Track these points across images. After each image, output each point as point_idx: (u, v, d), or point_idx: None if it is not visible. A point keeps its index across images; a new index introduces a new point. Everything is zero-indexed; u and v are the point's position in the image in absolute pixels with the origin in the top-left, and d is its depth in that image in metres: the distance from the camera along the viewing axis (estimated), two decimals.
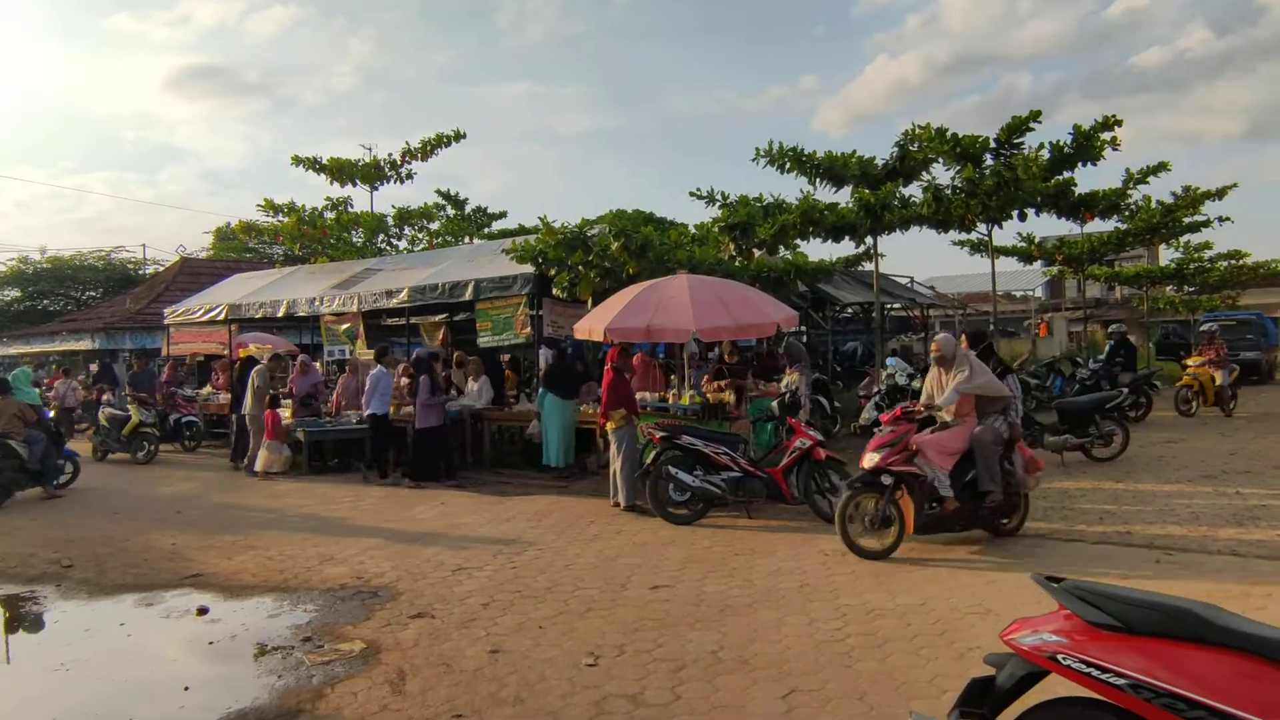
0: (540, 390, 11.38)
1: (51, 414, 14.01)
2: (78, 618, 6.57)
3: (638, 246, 11.27)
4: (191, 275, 28.51)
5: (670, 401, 10.62)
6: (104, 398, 16.81)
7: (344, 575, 7.21)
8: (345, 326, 16.14)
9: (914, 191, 15.22)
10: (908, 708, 4.24)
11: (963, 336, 8.35)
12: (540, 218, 12.31)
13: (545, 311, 13.09)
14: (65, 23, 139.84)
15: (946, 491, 6.99)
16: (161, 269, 35.00)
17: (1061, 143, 14.60)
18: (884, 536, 7.02)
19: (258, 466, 12.93)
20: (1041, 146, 14.53)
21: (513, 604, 6.20)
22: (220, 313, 18.17)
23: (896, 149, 15.01)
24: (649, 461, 8.91)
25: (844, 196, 15.00)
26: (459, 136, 22.34)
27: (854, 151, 14.92)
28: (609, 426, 9.34)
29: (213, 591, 6.94)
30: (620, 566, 7.11)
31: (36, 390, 13.76)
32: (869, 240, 15.72)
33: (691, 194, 14.40)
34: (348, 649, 5.43)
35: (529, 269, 12.65)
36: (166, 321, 20.00)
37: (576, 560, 7.33)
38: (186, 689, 4.96)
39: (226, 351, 18.51)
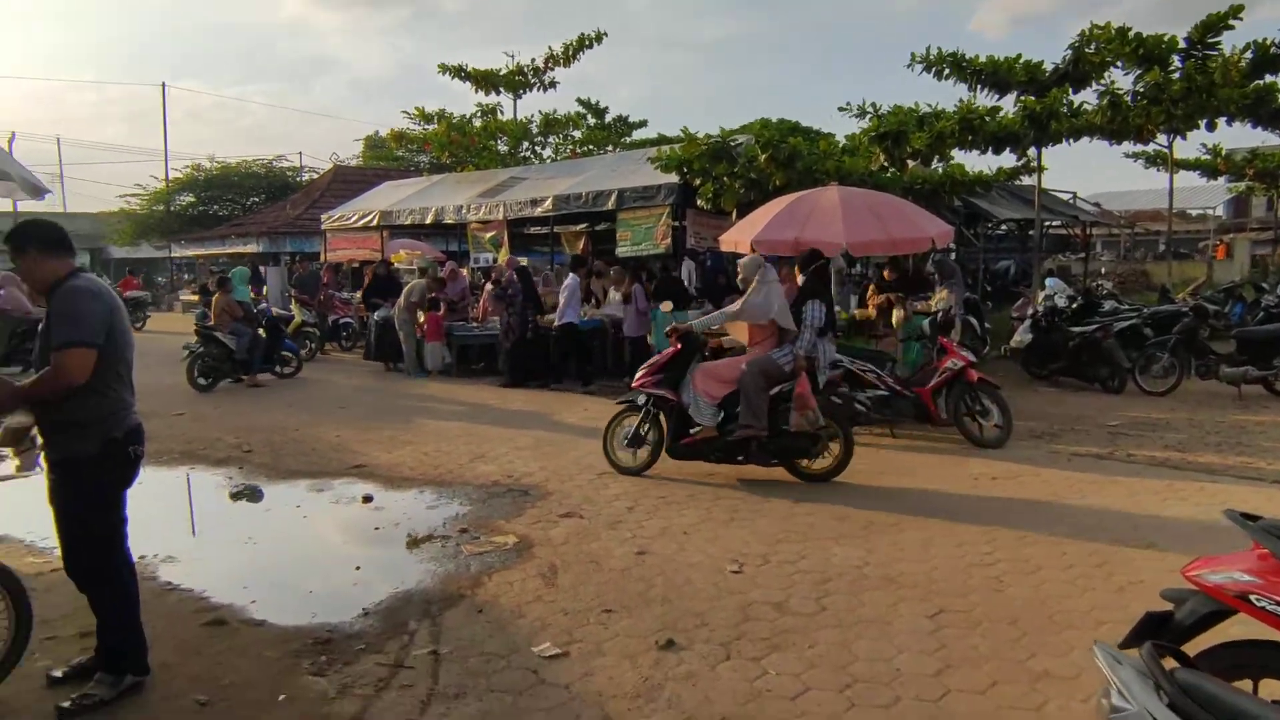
0: (653, 306, 11.48)
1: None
2: (260, 498, 7.18)
3: (785, 157, 10.95)
4: (344, 183, 29.79)
5: None
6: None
7: (495, 473, 7.56)
8: (490, 234, 16.54)
9: (1086, 98, 14.06)
10: (1061, 636, 4.13)
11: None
12: (683, 129, 12.11)
13: (688, 223, 13.01)
14: None
15: (703, 420, 7.03)
16: (317, 176, 36.67)
17: (1269, 41, 13.02)
18: (636, 456, 7.34)
19: (428, 365, 13.63)
20: (1246, 47, 12.98)
21: (656, 510, 6.35)
22: (373, 219, 18.96)
23: (1070, 51, 13.84)
24: None
25: (1007, 105, 14.05)
26: (599, 38, 22.05)
27: (1019, 55, 13.89)
28: None
29: (375, 481, 7.41)
30: (760, 478, 7.15)
31: (248, 289, 15.06)
32: (1031, 152, 14.71)
33: (841, 109, 13.86)
34: (502, 542, 5.71)
35: (673, 179, 12.54)
36: (324, 227, 21.04)
37: (716, 471, 7.40)
38: (358, 568, 5.37)
39: (379, 256, 19.36)
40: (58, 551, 5.60)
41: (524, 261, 14.13)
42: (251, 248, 27.58)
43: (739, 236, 9.73)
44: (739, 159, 11.27)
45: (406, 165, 33.94)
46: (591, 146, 23.63)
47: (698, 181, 12.06)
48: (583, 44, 22.05)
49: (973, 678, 3.78)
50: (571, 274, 12.32)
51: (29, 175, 3.30)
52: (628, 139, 25.29)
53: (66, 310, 3.49)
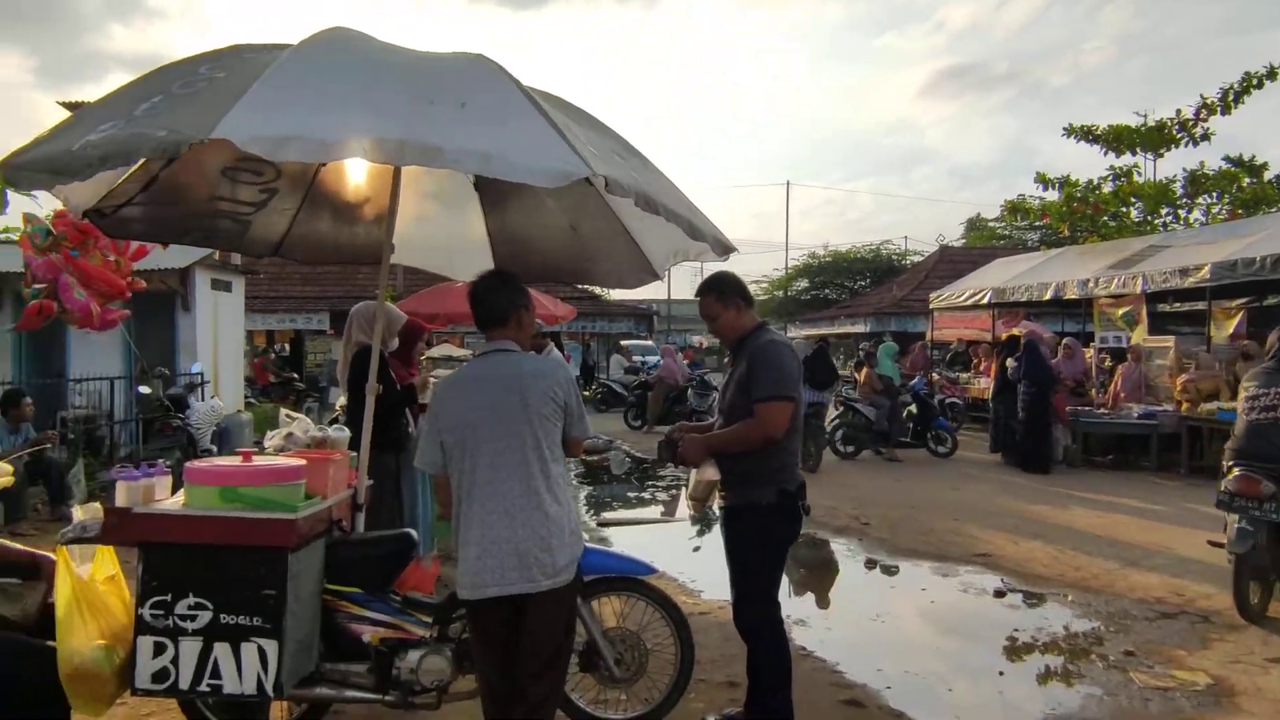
0: None
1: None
2: (882, 574, 6.91)
3: None
4: (950, 263, 29.59)
5: None
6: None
7: (1157, 588, 6.20)
8: (1124, 310, 14.56)
9: None
10: None
11: None
12: None
13: None
14: (841, 49, 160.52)
15: None
16: (921, 259, 37.15)
17: None
18: None
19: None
20: None
21: None
22: (984, 296, 18.15)
23: None
24: None
25: None
26: (1274, 74, 18.15)
27: None
28: None
29: (1004, 574, 6.61)
30: None
31: (894, 364, 15.76)
32: None
33: None
34: (1189, 680, 4.49)
35: None
36: (932, 306, 20.85)
37: None
38: (1001, 674, 4.67)
39: (989, 336, 18.47)
40: (707, 594, 6.01)
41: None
42: (859, 328, 28.81)
43: None
44: None
45: (1015, 243, 32.47)
46: (1241, 210, 19.70)
47: None
48: (1249, 85, 18.44)
49: None
50: None
51: (719, 234, 3.38)
52: None
53: (770, 363, 3.48)
